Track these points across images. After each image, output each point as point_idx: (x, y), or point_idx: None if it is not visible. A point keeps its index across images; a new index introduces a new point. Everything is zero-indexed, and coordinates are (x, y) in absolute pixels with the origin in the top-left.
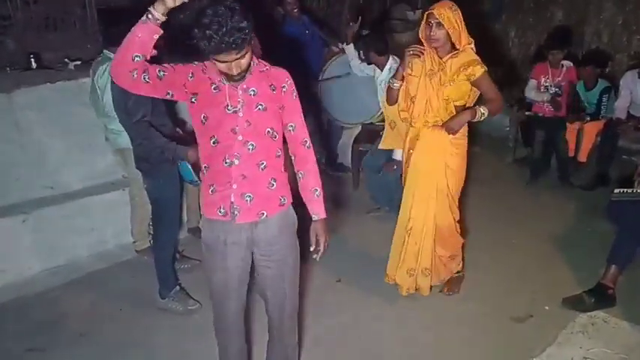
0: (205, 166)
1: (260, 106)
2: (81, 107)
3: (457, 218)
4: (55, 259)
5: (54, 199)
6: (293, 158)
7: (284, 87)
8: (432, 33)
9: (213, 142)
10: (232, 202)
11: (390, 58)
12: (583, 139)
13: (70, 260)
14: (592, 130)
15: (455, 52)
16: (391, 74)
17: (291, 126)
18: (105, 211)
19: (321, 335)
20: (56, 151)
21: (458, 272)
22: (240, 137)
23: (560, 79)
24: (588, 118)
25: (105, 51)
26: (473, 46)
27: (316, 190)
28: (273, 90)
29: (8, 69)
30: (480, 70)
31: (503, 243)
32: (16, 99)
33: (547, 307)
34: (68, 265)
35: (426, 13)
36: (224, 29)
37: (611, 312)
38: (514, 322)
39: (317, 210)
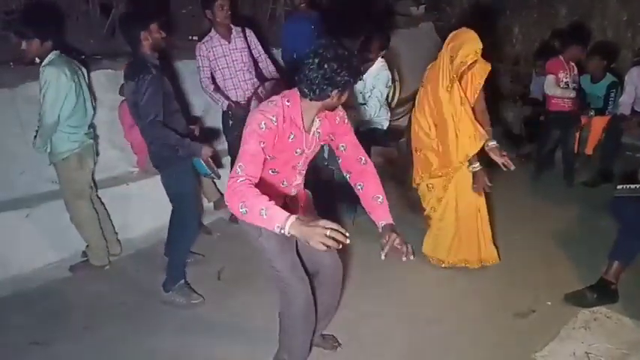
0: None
1: (319, 145)
2: None
3: None
4: (59, 253)
5: (57, 194)
6: (348, 175)
7: (337, 120)
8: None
9: (272, 172)
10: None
11: (379, 59)
12: (590, 133)
13: (73, 254)
14: (599, 124)
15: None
16: (381, 82)
17: (342, 146)
18: (108, 204)
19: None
20: None
21: None
22: (298, 170)
23: (575, 74)
24: (592, 113)
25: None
26: None
27: (378, 197)
28: (329, 125)
29: (11, 64)
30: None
31: (506, 238)
32: (20, 94)
33: (549, 303)
34: (71, 259)
35: (470, 58)
36: (351, 69)
37: (614, 308)
38: (516, 318)
39: (384, 216)
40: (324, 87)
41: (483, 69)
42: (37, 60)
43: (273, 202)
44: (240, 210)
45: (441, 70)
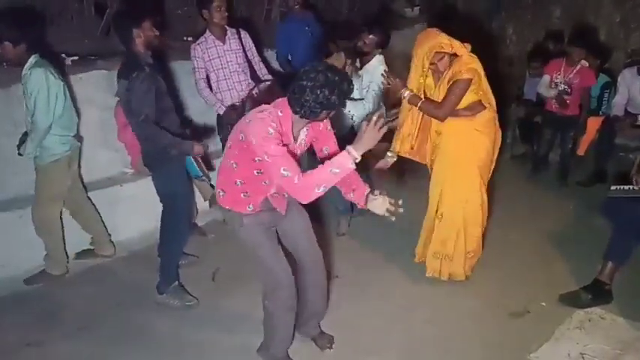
0: (241, 181)
1: (304, 150)
2: (78, 102)
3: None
4: None
5: None
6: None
7: (320, 126)
8: (439, 67)
9: (257, 172)
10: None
11: (377, 55)
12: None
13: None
14: (593, 125)
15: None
16: (379, 76)
17: (326, 149)
18: (102, 206)
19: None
20: None
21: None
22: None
23: (571, 76)
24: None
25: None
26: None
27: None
28: (312, 132)
29: (5, 64)
30: (460, 75)
31: (501, 239)
32: (14, 93)
33: (544, 304)
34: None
35: (433, 55)
36: (342, 93)
37: (608, 308)
38: (511, 318)
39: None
40: (316, 110)
41: (464, 62)
42: None
43: (329, 161)
44: (318, 191)
45: (412, 74)
